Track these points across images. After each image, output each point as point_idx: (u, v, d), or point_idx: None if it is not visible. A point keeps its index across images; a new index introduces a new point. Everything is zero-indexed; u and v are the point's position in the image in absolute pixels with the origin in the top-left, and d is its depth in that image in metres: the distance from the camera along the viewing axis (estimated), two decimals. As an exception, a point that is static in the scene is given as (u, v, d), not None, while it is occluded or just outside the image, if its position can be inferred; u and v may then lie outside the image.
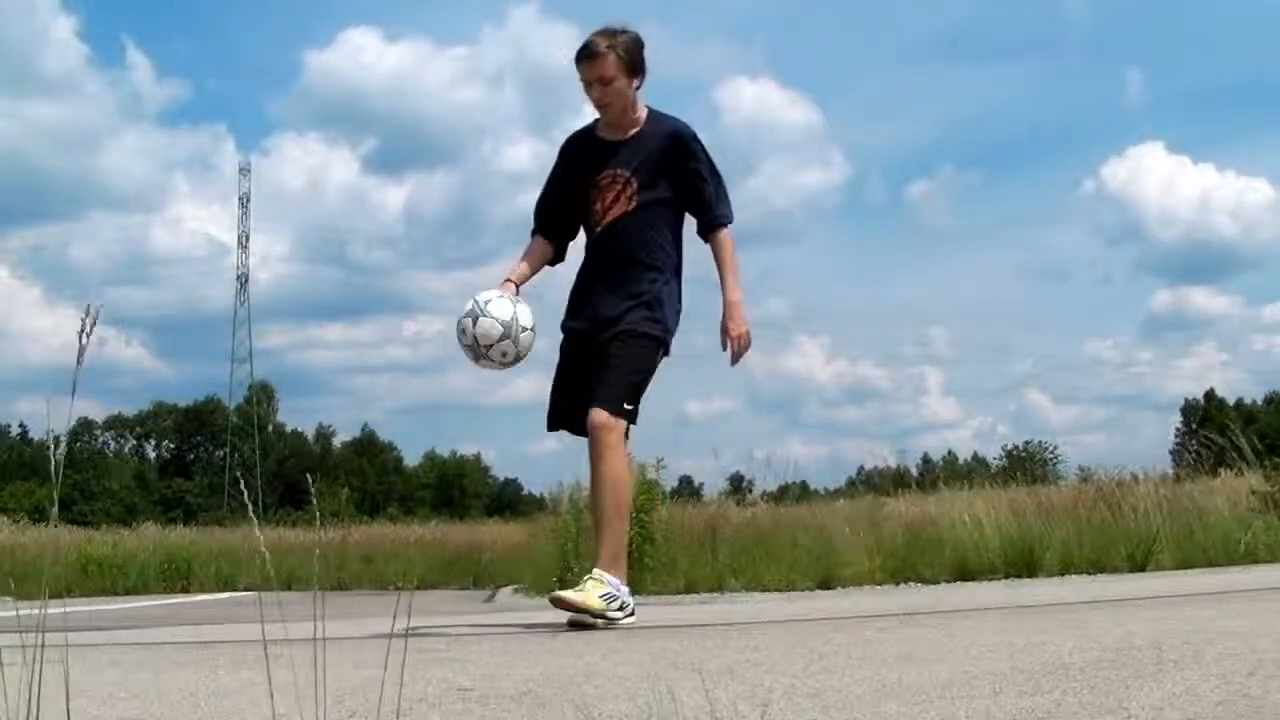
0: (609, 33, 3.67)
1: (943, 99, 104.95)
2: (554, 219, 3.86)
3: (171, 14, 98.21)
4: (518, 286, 3.73)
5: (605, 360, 3.57)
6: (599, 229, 3.73)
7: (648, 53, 3.73)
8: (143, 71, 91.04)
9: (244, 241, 64.23)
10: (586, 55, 3.64)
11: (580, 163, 3.79)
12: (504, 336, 3.52)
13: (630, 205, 3.69)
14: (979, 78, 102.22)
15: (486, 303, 3.55)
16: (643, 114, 3.75)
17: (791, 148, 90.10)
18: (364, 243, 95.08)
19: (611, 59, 3.62)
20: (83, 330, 1.34)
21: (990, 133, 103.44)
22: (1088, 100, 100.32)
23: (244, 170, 66.01)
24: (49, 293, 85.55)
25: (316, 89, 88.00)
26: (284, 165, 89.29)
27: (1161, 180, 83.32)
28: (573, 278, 3.86)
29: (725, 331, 3.72)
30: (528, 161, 79.54)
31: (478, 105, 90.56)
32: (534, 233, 3.88)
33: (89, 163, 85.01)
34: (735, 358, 3.72)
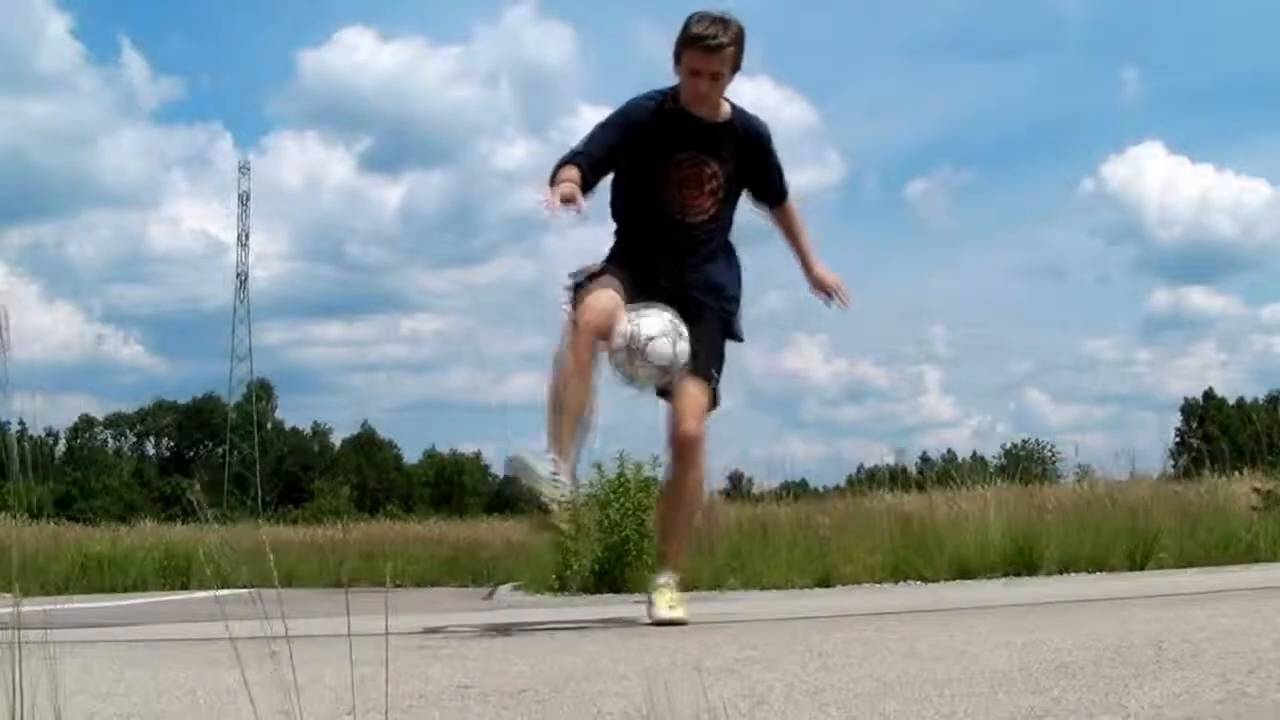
0: (723, 22, 3.39)
1: (940, 98, 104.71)
2: (603, 170, 3.57)
3: (165, 12, 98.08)
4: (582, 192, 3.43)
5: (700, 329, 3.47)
6: (680, 218, 3.56)
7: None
8: (138, 69, 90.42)
9: (244, 239, 64.14)
10: (707, 47, 3.37)
11: (661, 136, 3.52)
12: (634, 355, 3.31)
13: (719, 201, 3.60)
14: (976, 76, 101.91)
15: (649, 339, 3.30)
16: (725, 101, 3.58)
17: (787, 146, 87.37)
18: (361, 241, 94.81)
19: (730, 53, 3.41)
20: None
21: (988, 132, 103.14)
22: (1086, 99, 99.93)
23: (244, 168, 65.75)
24: (48, 289, 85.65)
25: (312, 88, 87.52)
26: (280, 164, 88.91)
27: (1161, 180, 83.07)
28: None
29: (823, 284, 3.82)
30: (523, 160, 79.24)
31: (473, 104, 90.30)
32: (575, 165, 3.47)
33: (85, 160, 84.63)
34: (840, 297, 3.83)
